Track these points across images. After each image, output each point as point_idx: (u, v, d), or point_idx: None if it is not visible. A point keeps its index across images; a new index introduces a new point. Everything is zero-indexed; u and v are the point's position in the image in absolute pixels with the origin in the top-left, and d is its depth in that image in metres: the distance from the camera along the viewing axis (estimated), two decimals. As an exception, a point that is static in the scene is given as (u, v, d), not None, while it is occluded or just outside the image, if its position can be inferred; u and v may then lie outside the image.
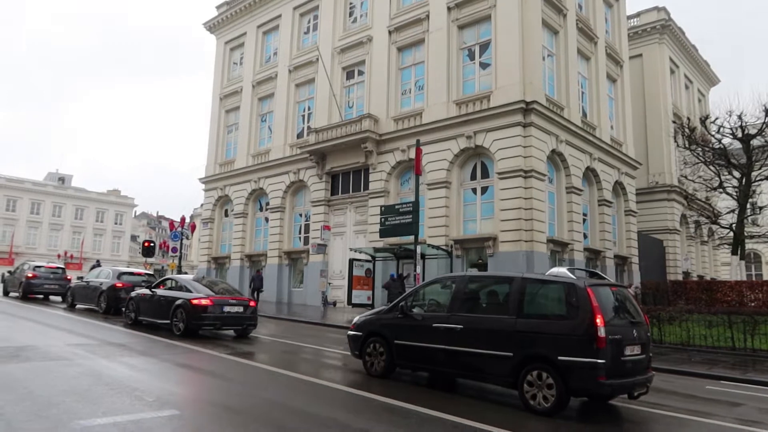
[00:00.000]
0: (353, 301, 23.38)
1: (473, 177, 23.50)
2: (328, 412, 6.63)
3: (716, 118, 25.37)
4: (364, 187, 26.91)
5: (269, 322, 18.66)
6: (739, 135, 24.34)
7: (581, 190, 24.77)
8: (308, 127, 29.95)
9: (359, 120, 26.26)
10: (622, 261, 28.10)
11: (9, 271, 28.15)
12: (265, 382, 8.42)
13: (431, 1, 25.19)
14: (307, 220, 30.00)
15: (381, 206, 22.43)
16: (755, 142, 24.79)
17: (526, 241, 20.78)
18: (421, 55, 25.76)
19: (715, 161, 26.20)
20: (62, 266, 24.30)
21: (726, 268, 44.78)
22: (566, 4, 24.89)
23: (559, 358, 6.80)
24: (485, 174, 23.05)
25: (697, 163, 27.32)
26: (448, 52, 24.31)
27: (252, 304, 14.26)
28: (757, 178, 24.76)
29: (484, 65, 23.56)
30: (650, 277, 28.44)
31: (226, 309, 13.51)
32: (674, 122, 31.27)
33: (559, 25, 24.67)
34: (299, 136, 30.92)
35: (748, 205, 25.39)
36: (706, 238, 39.76)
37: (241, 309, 13.84)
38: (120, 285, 17.58)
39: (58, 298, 22.49)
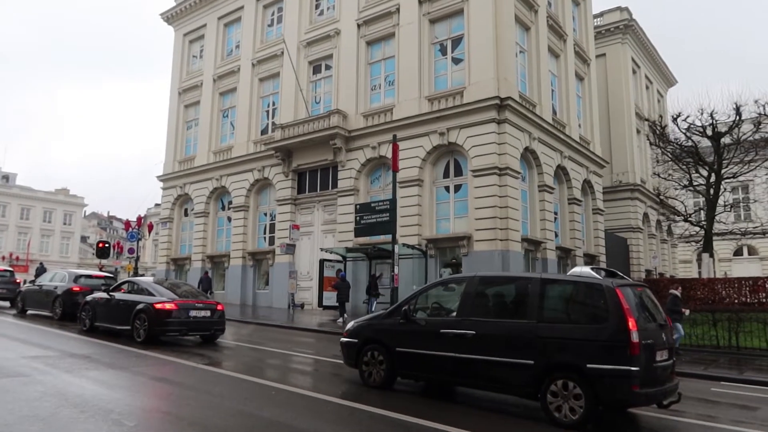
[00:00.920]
0: (324, 303, 22.62)
1: (446, 175, 22.99)
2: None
3: (687, 116, 25.68)
4: (333, 186, 26.07)
5: (235, 326, 17.72)
6: (710, 133, 24.63)
7: (553, 189, 24.60)
8: (273, 123, 28.88)
9: (327, 116, 25.38)
10: (590, 259, 28.14)
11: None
12: (256, 395, 7.55)
13: (402, -6, 24.54)
14: (272, 220, 28.92)
15: (356, 204, 21.70)
16: (725, 140, 25.15)
17: (501, 240, 20.37)
18: (391, 50, 25.09)
19: (684, 159, 26.48)
20: (10, 269, 22.67)
21: (684, 265, 45.91)
22: (537, 0, 24.69)
23: (588, 365, 6.24)
24: (458, 172, 22.56)
25: (668, 161, 27.59)
26: (419, 46, 23.73)
27: (220, 307, 13.36)
28: (726, 176, 25.10)
29: (456, 60, 23.08)
30: (615, 275, 28.47)
31: (193, 313, 12.62)
32: (646, 120, 31.60)
33: (530, 21, 24.42)
34: (263, 132, 29.81)
35: (720, 202, 25.72)
36: (666, 237, 40.49)
37: (208, 313, 12.98)
38: (77, 289, 16.24)
39: (6, 303, 21.04)
